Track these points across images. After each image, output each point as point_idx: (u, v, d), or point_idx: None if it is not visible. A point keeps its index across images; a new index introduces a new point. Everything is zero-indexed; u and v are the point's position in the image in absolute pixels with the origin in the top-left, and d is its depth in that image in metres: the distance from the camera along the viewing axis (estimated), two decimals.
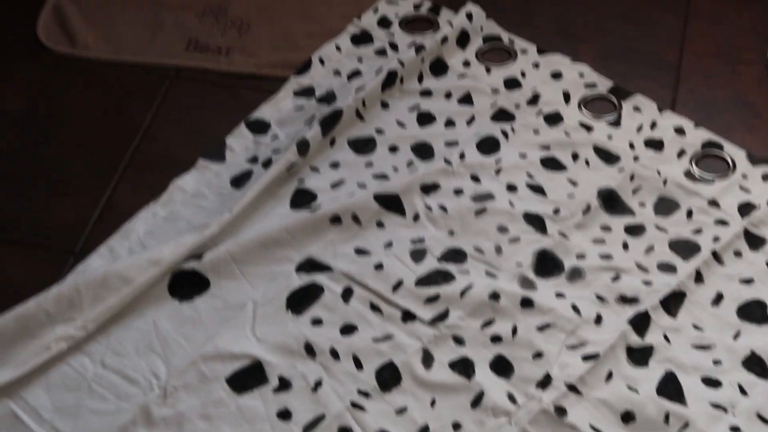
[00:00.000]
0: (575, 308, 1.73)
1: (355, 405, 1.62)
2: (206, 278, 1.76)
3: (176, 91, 2.11)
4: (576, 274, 1.78)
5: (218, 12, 2.26)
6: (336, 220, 1.83)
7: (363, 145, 1.98)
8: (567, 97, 2.05)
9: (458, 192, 1.89)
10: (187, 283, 1.76)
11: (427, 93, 2.07)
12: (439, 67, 2.12)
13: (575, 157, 1.96)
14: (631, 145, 1.97)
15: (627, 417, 1.60)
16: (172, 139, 2.01)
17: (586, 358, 1.66)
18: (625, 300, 1.74)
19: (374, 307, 1.73)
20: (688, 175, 1.92)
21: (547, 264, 1.79)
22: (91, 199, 1.91)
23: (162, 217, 1.86)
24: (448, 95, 2.07)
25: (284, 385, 1.64)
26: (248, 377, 1.65)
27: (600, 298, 1.75)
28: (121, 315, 1.72)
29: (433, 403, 1.62)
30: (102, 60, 2.17)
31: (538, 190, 1.90)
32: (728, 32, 2.18)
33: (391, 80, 2.05)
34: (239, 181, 1.91)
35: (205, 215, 1.85)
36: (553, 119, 2.02)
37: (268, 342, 1.68)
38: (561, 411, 1.60)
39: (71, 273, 1.76)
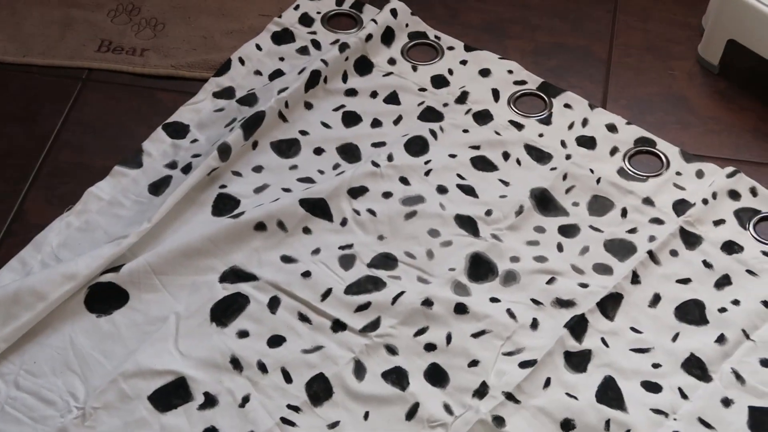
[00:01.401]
0: (511, 313, 1.69)
1: (285, 420, 1.58)
2: (125, 291, 1.70)
3: (88, 94, 2.03)
4: (510, 278, 1.75)
5: (131, 10, 2.18)
6: (260, 226, 1.77)
7: (287, 148, 1.92)
8: (496, 95, 2.01)
9: (387, 195, 1.84)
10: (104, 297, 1.70)
11: (352, 92, 2.02)
12: (364, 66, 2.06)
13: (506, 156, 1.92)
14: (563, 144, 1.94)
15: (567, 425, 1.58)
16: (85, 145, 1.94)
17: (523, 364, 1.63)
18: (562, 303, 1.71)
19: (303, 317, 1.69)
20: (622, 173, 1.90)
21: (480, 268, 1.75)
22: None
23: (76, 228, 1.79)
24: (374, 94, 2.01)
25: (210, 401, 1.60)
26: (172, 394, 1.61)
27: (536, 302, 1.71)
28: (34, 332, 1.65)
29: (366, 416, 1.59)
30: (8, 62, 2.08)
31: (469, 191, 1.86)
32: (658, 26, 2.16)
33: (314, 80, 1.99)
34: (158, 187, 1.85)
35: (123, 225, 1.78)
36: (483, 118, 1.98)
37: (192, 357, 1.63)
38: (499, 420, 1.58)
39: None
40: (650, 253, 1.77)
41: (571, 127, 1.97)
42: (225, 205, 1.83)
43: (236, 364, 1.63)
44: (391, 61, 2.08)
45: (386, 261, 1.76)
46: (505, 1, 2.22)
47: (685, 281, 1.75)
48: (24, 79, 2.06)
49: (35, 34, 2.13)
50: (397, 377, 1.63)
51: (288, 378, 1.62)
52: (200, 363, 1.63)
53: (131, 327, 1.67)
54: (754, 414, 1.60)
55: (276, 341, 1.66)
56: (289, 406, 1.59)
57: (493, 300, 1.72)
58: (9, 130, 1.97)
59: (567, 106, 2.00)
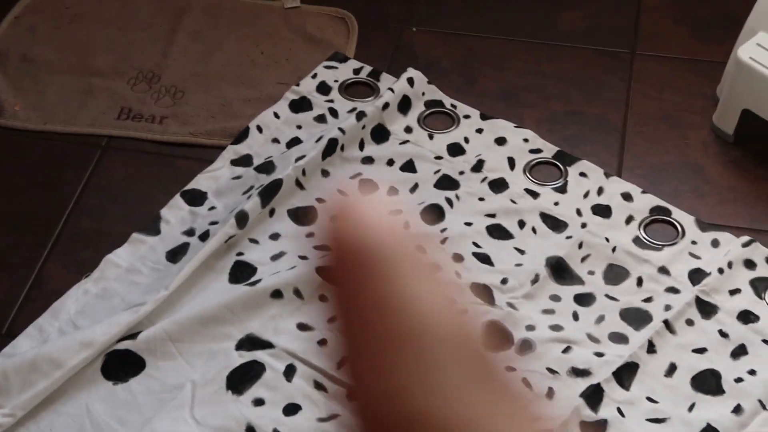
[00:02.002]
0: (526, 382, 1.68)
1: None
2: (141, 358, 1.70)
3: (108, 161, 2.04)
4: (526, 347, 1.74)
5: (151, 79, 2.20)
6: (277, 294, 1.78)
7: (304, 216, 1.92)
8: (512, 163, 2.02)
9: None
10: (121, 364, 1.69)
11: (368, 160, 2.02)
12: (380, 134, 2.07)
13: (522, 224, 1.92)
14: (579, 212, 1.94)
15: None
16: (104, 212, 1.95)
17: None
18: (577, 372, 1.71)
19: (318, 385, 1.68)
20: (637, 241, 1.89)
21: (496, 336, 1.74)
22: (18, 276, 1.83)
23: (94, 294, 1.79)
24: (390, 162, 2.02)
25: None
26: None
27: (551, 371, 1.70)
28: (51, 400, 1.65)
29: None
30: (30, 130, 2.10)
31: (485, 259, 1.86)
32: (673, 96, 2.17)
33: (331, 148, 2.00)
34: (175, 254, 1.85)
35: (140, 292, 1.78)
36: (498, 186, 1.98)
37: (207, 425, 1.63)
38: None
39: None
40: (666, 323, 1.76)
41: (586, 195, 1.97)
42: (242, 272, 1.83)
43: None
44: (408, 130, 2.09)
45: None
46: (520, 69, 2.23)
47: (701, 351, 1.74)
48: (45, 146, 2.07)
49: (56, 102, 2.15)
50: None
51: None
52: (216, 431, 1.62)
53: (147, 395, 1.66)
54: None
55: (291, 409, 1.65)
56: None
57: (509, 369, 1.70)
58: (30, 196, 1.98)
59: (582, 174, 2.00)
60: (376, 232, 0.40)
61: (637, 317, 1.78)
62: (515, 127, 2.09)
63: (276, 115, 2.11)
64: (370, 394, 0.40)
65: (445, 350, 0.39)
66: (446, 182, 1.99)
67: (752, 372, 1.71)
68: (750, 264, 1.85)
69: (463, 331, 0.40)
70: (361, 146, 2.05)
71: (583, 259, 1.87)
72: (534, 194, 1.97)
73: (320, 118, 2.11)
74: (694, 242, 1.89)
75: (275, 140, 2.06)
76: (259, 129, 2.08)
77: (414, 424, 0.38)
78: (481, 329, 0.40)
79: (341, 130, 2.02)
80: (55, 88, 2.17)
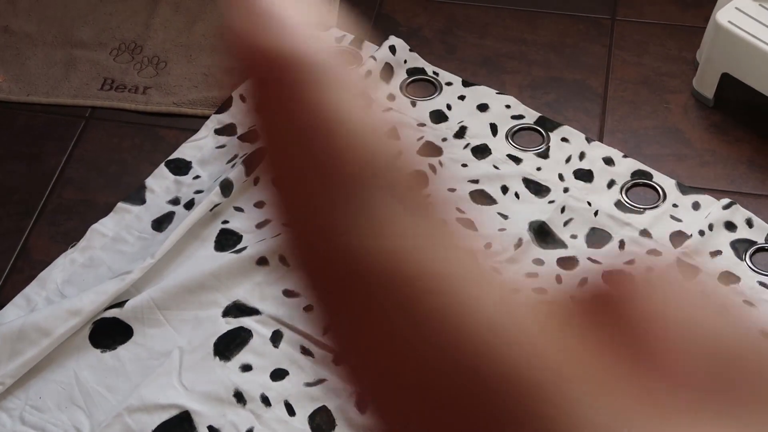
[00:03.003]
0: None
1: None
2: (129, 326, 1.71)
3: (92, 132, 2.04)
4: None
5: (134, 49, 2.20)
6: (262, 261, 1.79)
7: None
8: (494, 130, 2.03)
9: None
10: (109, 332, 1.70)
11: None
12: None
13: (505, 190, 1.93)
14: (561, 177, 1.95)
15: None
16: (89, 183, 1.95)
17: None
18: None
19: (305, 350, 1.69)
20: (619, 205, 1.91)
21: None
22: (3, 247, 1.84)
23: (81, 264, 1.80)
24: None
25: None
26: (176, 428, 1.61)
27: None
28: (39, 368, 1.66)
29: None
30: (13, 101, 2.10)
31: (468, 224, 1.87)
32: (653, 61, 2.18)
33: None
34: (161, 223, 1.86)
35: (127, 260, 1.79)
36: (481, 152, 1.99)
37: (195, 391, 1.64)
38: None
39: None
40: None
41: (568, 160, 1.99)
42: (227, 240, 1.84)
43: (239, 397, 1.63)
44: (391, 97, 2.10)
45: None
46: (502, 36, 2.24)
47: None
48: (28, 118, 2.07)
49: (39, 74, 2.15)
50: None
51: (291, 411, 1.62)
52: (204, 397, 1.63)
53: (135, 362, 1.68)
54: None
55: (279, 374, 1.67)
56: None
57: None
58: (14, 168, 1.98)
59: (564, 139, 2.02)
60: (297, 40, 0.35)
61: None
62: (497, 93, 2.10)
63: None
64: (310, 229, 0.39)
65: (380, 188, 0.39)
66: (429, 149, 2.00)
67: None
68: (730, 226, 1.87)
69: (398, 174, 0.40)
70: None
71: (565, 223, 1.88)
72: (516, 160, 1.99)
73: None
74: (675, 205, 1.91)
75: None
76: (242, 98, 2.08)
77: (353, 258, 0.38)
78: (413, 167, 0.40)
79: None
80: (37, 60, 2.17)
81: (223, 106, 2.07)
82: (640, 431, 0.35)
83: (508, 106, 2.08)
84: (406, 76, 2.14)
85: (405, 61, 2.16)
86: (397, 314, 0.38)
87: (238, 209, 1.88)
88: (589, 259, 1.83)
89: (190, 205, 1.87)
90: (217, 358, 1.68)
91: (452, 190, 1.85)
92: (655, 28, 2.24)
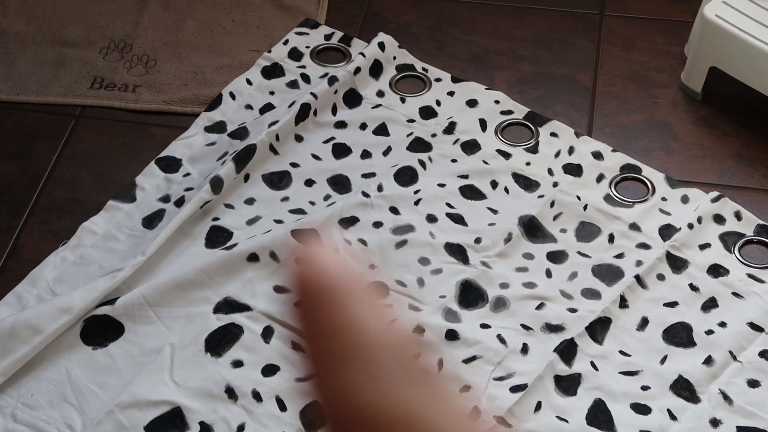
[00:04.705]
0: (501, 339, 1.71)
1: None
2: (120, 323, 1.71)
3: (82, 130, 2.05)
4: (500, 304, 1.76)
5: (123, 48, 2.20)
6: (253, 257, 1.79)
7: (278, 180, 1.94)
8: (483, 125, 2.04)
9: (377, 225, 1.86)
10: (100, 329, 1.71)
11: (341, 125, 2.04)
12: (353, 98, 2.09)
13: (494, 185, 1.94)
14: (550, 171, 1.96)
15: None
16: (79, 181, 1.96)
17: (514, 389, 1.64)
18: (551, 328, 1.73)
19: (296, 346, 1.69)
20: (608, 199, 1.92)
21: (470, 295, 1.77)
22: None
23: (71, 261, 1.80)
24: (363, 126, 2.04)
25: (206, 431, 1.61)
26: (168, 424, 1.62)
27: (525, 328, 1.73)
28: (31, 366, 1.66)
29: None
30: (2, 101, 2.10)
31: (458, 219, 1.88)
32: (641, 55, 2.19)
33: (304, 113, 2.02)
34: (151, 221, 1.86)
35: (117, 258, 1.80)
36: (471, 147, 2.00)
37: (187, 387, 1.64)
38: None
39: None
40: (637, 278, 1.79)
41: (557, 155, 1.99)
42: (218, 237, 1.84)
43: (231, 393, 1.64)
44: (380, 94, 2.10)
45: (378, 289, 1.77)
46: (490, 32, 2.25)
47: (672, 304, 1.77)
48: (18, 117, 2.07)
49: (29, 73, 2.15)
50: None
51: (282, 406, 1.63)
52: (195, 393, 1.64)
53: (127, 358, 1.68)
54: None
55: (270, 370, 1.67)
56: None
57: (484, 326, 1.73)
58: (4, 167, 1.98)
59: (553, 134, 2.03)
60: (332, 273, 0.52)
61: (609, 273, 1.81)
62: (486, 89, 2.11)
63: (248, 82, 2.12)
64: (333, 387, 0.52)
65: (382, 357, 0.51)
66: (419, 145, 2.01)
67: (722, 324, 1.74)
68: (719, 219, 1.88)
69: (395, 341, 0.52)
70: (334, 111, 2.06)
71: (555, 218, 1.89)
72: (506, 155, 1.99)
73: (292, 84, 2.12)
74: (664, 199, 1.92)
75: (248, 106, 2.08)
76: (232, 96, 2.09)
77: (364, 412, 0.50)
78: (409, 334, 0.52)
79: (313, 95, 2.04)
80: (26, 59, 2.18)
81: (213, 104, 2.07)
82: None
83: (497, 102, 2.08)
84: (395, 72, 2.15)
85: (394, 58, 2.16)
86: None
87: (229, 206, 1.89)
88: (578, 253, 1.84)
89: (180, 203, 1.88)
90: (209, 354, 1.69)
91: (442, 185, 1.88)
92: (643, 23, 2.25)
